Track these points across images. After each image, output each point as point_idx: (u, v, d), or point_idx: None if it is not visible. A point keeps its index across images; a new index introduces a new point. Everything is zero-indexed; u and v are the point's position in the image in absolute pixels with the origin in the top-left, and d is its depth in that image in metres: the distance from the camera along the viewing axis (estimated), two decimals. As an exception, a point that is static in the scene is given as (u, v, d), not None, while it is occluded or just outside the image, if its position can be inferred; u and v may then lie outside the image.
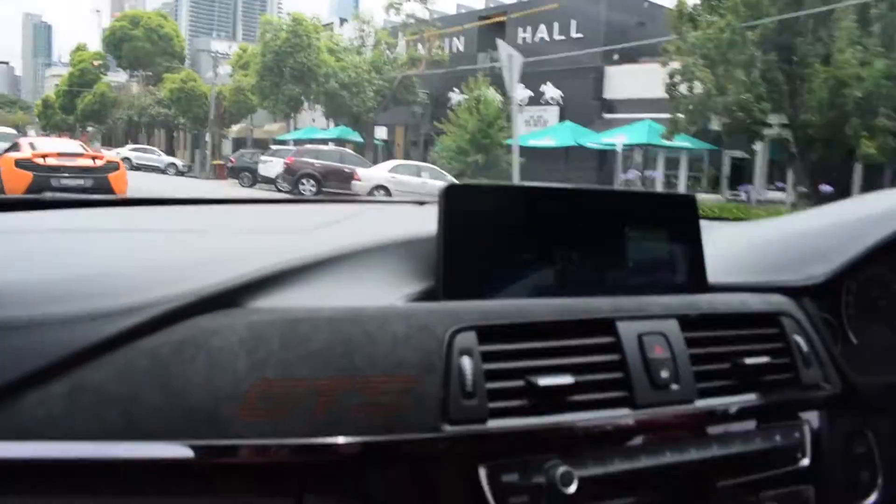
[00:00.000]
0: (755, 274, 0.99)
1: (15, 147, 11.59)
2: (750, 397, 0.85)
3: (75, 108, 49.38)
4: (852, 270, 1.02)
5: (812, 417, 0.90)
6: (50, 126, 72.60)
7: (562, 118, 22.54)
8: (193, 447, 0.60)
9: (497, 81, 22.37)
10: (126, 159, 35.54)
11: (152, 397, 0.60)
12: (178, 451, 0.60)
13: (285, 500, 0.64)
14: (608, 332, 0.80)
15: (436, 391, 0.68)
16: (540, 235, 0.83)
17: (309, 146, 21.96)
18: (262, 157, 23.62)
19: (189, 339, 0.63)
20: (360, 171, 18.27)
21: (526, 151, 21.02)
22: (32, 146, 11.38)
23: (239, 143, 43.02)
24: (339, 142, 26.47)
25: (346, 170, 19.51)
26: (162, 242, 0.87)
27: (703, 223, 0.94)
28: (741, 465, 0.83)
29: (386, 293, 0.76)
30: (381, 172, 18.25)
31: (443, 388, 0.68)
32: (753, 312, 0.91)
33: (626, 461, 0.76)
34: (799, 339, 0.91)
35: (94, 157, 11.23)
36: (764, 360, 0.86)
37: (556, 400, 0.73)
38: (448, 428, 0.67)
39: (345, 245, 0.80)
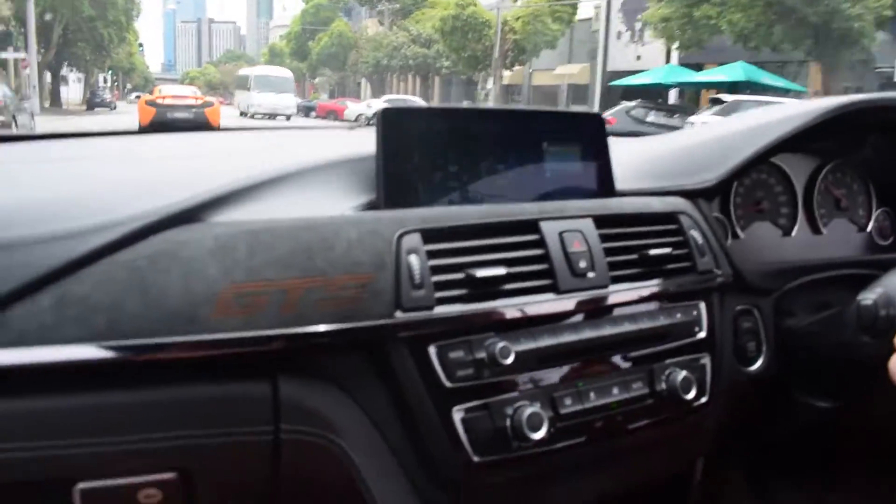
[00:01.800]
0: (657, 180, 1.10)
1: (151, 91, 19.16)
2: (654, 282, 0.97)
3: (308, 53, 41.96)
4: (738, 175, 1.16)
5: (707, 298, 1.03)
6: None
7: None
8: (175, 343, 0.67)
9: None
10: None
11: (133, 304, 0.66)
12: (161, 345, 0.66)
13: (262, 383, 0.72)
14: (533, 230, 0.90)
15: (389, 285, 0.76)
16: (469, 151, 0.92)
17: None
18: (692, 119, 12.50)
19: (161, 251, 0.69)
20: None
21: None
22: (160, 91, 17.63)
23: (509, 92, 32.73)
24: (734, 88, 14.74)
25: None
26: (132, 167, 0.97)
27: (611, 139, 1.04)
28: (648, 338, 0.95)
29: (334, 205, 0.84)
30: None
31: (394, 281, 0.77)
32: (656, 212, 1.03)
33: (553, 337, 0.86)
34: (694, 233, 1.04)
35: (195, 98, 16.90)
36: (665, 251, 0.98)
37: (491, 288, 0.83)
38: (400, 315, 0.76)
39: (293, 164, 0.88)
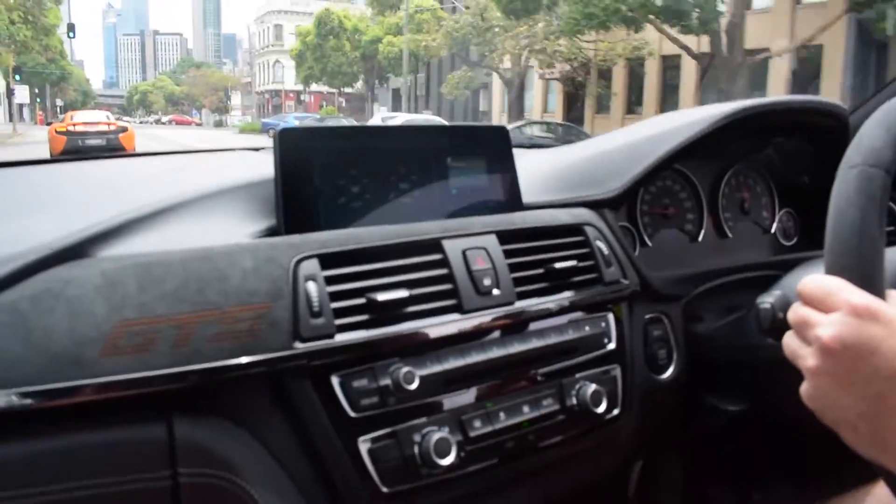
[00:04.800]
0: (563, 191, 1.09)
1: (61, 120, 17.38)
2: (561, 296, 0.95)
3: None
4: (643, 183, 1.14)
5: (615, 309, 1.02)
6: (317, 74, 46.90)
7: None
8: (60, 389, 0.63)
9: None
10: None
11: (16, 348, 0.63)
12: (45, 392, 0.63)
13: (156, 425, 0.68)
14: (436, 250, 0.88)
15: (286, 314, 0.74)
16: (372, 171, 0.91)
17: None
18: None
19: (45, 290, 0.66)
20: None
21: None
22: (71, 118, 16.60)
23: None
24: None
25: None
26: (12, 203, 0.93)
27: (516, 151, 1.04)
28: (557, 353, 0.93)
29: (232, 233, 0.82)
30: None
31: (292, 310, 0.74)
32: (561, 224, 1.01)
33: (459, 358, 0.84)
34: (601, 244, 1.02)
35: (108, 124, 16.08)
36: (571, 263, 0.97)
37: (394, 312, 0.81)
38: (300, 345, 0.74)
39: (189, 191, 0.85)
